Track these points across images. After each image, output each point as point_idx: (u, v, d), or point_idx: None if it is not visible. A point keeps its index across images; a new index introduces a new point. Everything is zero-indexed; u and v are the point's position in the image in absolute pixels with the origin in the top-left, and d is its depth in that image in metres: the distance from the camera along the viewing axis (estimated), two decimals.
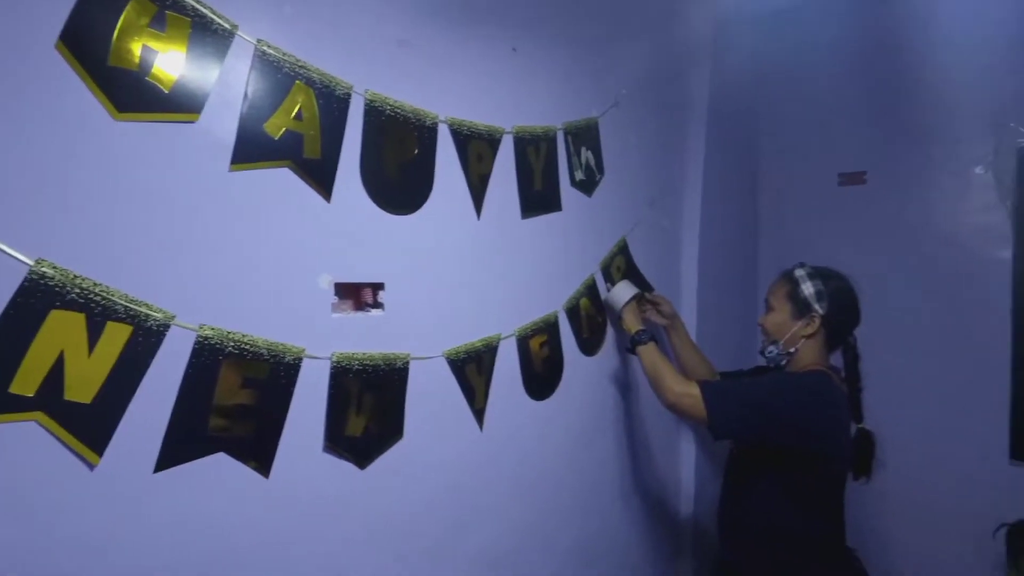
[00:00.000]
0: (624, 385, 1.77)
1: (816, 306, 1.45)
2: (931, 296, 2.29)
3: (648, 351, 1.53)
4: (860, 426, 1.54)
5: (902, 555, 2.34)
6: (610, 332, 1.72)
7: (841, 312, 1.46)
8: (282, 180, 1.00)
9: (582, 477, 1.63)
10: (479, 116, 1.31)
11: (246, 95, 0.94)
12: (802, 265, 1.52)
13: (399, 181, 1.16)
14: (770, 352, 1.52)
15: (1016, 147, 2.18)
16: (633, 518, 1.84)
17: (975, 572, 2.12)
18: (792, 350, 1.48)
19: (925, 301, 2.30)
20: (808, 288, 1.46)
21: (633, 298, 1.65)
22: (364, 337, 1.11)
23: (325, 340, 1.06)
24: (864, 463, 1.53)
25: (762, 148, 2.65)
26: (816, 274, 1.48)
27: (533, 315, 1.46)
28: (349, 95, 1.07)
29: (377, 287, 1.13)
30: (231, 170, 0.93)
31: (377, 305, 1.13)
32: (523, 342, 1.42)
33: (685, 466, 2.06)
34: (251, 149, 0.95)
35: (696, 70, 2.05)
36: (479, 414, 1.31)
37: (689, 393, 1.40)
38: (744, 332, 2.31)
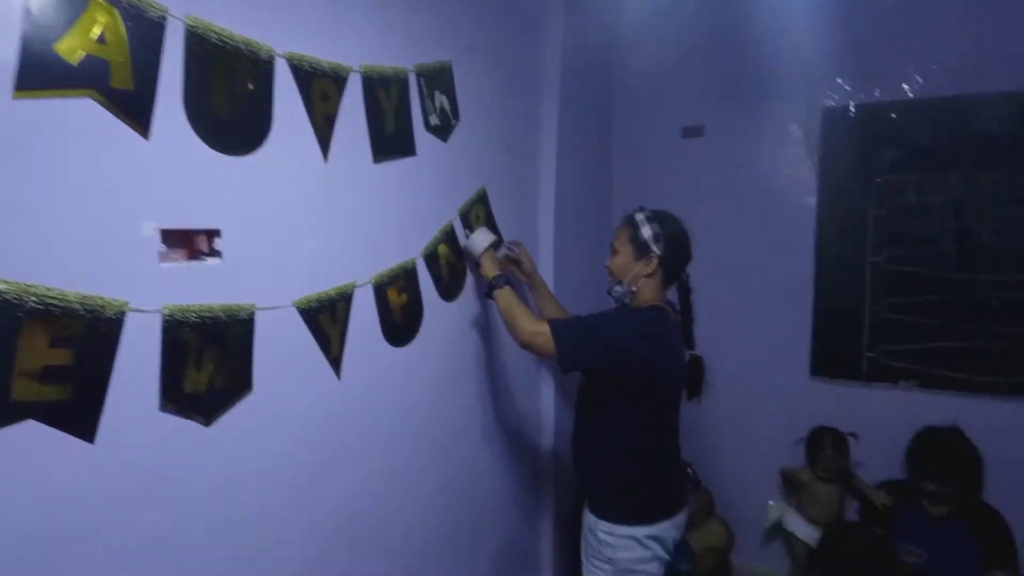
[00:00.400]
0: (484, 330, 1.83)
1: (654, 247, 1.58)
2: (751, 237, 2.59)
3: (504, 295, 1.58)
4: (692, 353, 1.73)
5: (728, 462, 2.71)
6: (469, 278, 1.75)
7: (675, 252, 1.60)
8: (87, 112, 0.88)
9: (445, 420, 1.68)
10: (322, 52, 1.23)
11: (28, 11, 0.81)
12: (641, 209, 1.64)
13: (232, 118, 1.07)
14: (616, 292, 1.65)
15: (821, 107, 2.49)
16: (497, 457, 1.93)
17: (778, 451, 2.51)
18: (634, 289, 1.61)
19: (746, 241, 2.59)
20: (647, 231, 1.59)
21: (491, 245, 1.69)
22: (201, 288, 1.04)
23: (154, 292, 0.97)
24: (696, 385, 1.75)
25: (614, 103, 2.77)
26: (654, 217, 1.61)
27: (390, 262, 1.45)
28: (165, 19, 0.96)
29: (212, 234, 1.05)
30: (15, 98, 0.80)
31: (214, 253, 1.06)
32: (380, 290, 1.41)
33: (544, 404, 2.20)
34: (40, 74, 0.82)
35: (549, 23, 2.08)
36: (335, 363, 1.29)
37: (540, 331, 1.48)
38: (602, 279, 2.47)
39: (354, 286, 1.33)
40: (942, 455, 2.16)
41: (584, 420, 1.68)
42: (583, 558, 1.69)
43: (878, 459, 2.38)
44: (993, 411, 2.27)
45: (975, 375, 2.32)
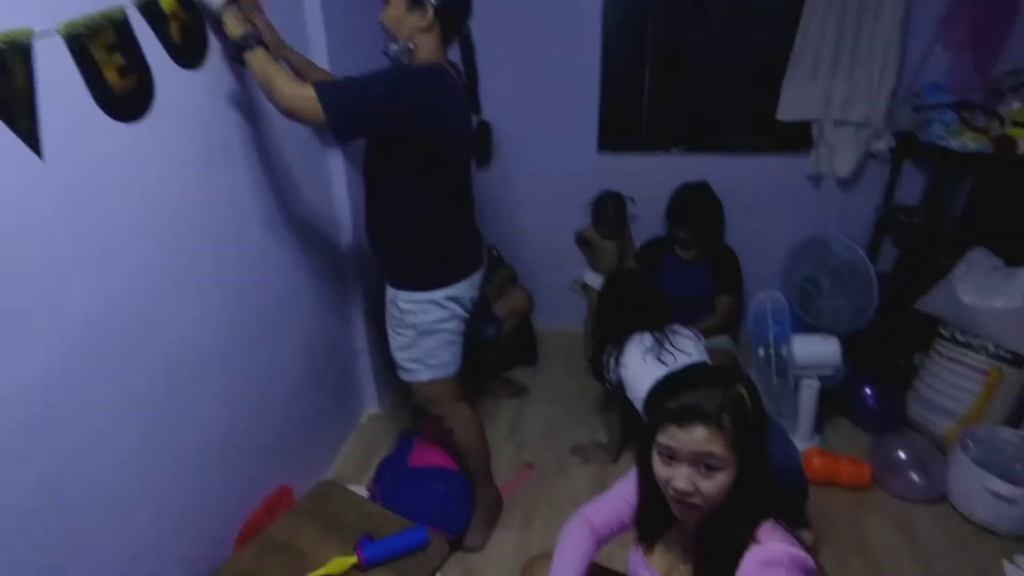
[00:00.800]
0: (247, 103, 1.57)
1: None
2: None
3: (256, 56, 1.35)
4: (479, 117, 1.69)
5: (526, 235, 2.90)
6: (215, 41, 1.45)
7: (453, 0, 1.46)
8: None
9: (213, 211, 1.47)
10: None
11: None
12: None
13: None
14: (391, 50, 1.49)
15: None
16: (288, 249, 1.81)
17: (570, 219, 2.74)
18: (411, 46, 1.46)
19: (535, 4, 2.48)
20: None
21: None
22: None
23: None
24: (484, 151, 1.75)
25: None
26: None
27: (85, 7, 1.11)
28: None
29: None
30: None
31: None
32: (77, 42, 1.09)
33: (337, 191, 2.07)
34: None
35: None
36: (30, 139, 1.02)
37: (304, 95, 1.31)
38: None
39: (32, 34, 1.01)
40: (691, 207, 2.50)
41: (373, 194, 1.61)
42: (388, 330, 1.74)
43: (652, 219, 2.69)
44: (738, 167, 2.63)
45: (727, 136, 2.63)
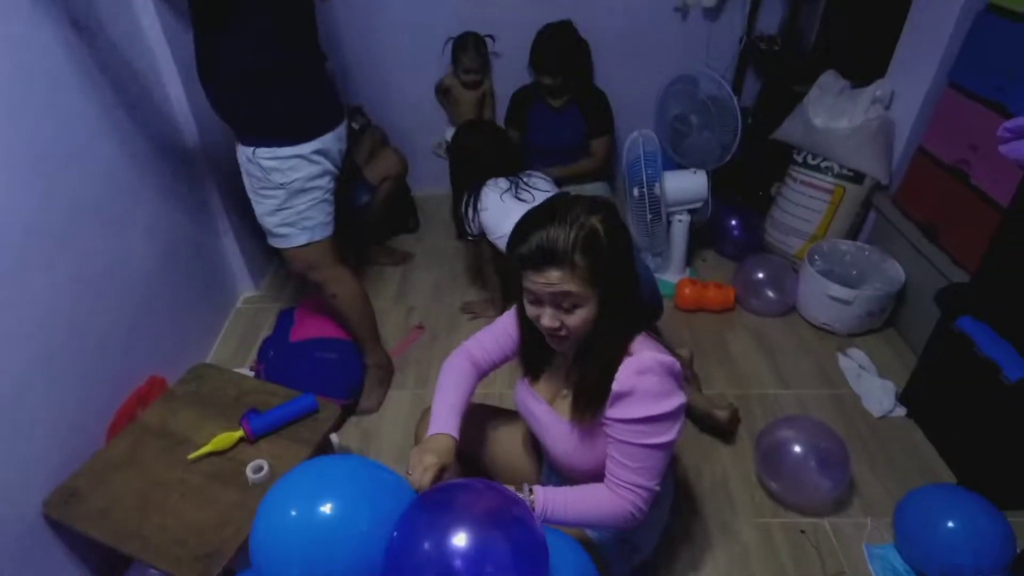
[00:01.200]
0: None
1: None
2: None
3: None
4: None
5: (392, 95, 2.69)
6: None
7: None
8: None
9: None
10: None
11: None
12: None
13: None
14: None
15: None
16: (106, 119, 1.53)
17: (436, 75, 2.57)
18: None
19: None
20: None
21: None
22: None
23: None
24: None
25: None
26: None
27: None
28: None
29: None
30: None
31: None
32: None
33: (158, 49, 1.74)
34: None
35: None
36: None
37: None
38: None
39: None
40: (555, 49, 2.33)
41: (204, 38, 1.38)
42: (250, 195, 1.57)
43: (520, 64, 2.52)
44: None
45: None
